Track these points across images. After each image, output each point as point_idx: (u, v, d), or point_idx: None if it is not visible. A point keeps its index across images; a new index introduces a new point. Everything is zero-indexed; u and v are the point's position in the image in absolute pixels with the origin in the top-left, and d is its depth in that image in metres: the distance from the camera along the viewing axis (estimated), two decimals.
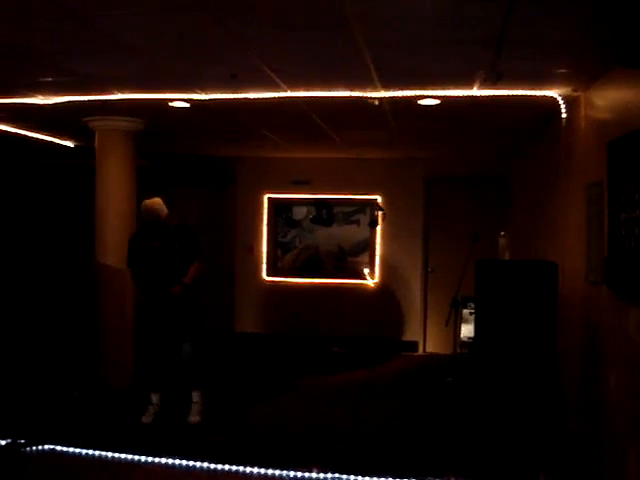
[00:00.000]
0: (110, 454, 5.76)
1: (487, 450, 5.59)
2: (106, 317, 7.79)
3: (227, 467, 5.51)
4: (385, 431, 6.54)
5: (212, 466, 5.54)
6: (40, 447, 5.82)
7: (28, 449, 5.77)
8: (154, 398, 6.87)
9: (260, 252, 11.66)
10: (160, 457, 5.66)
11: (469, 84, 5.67)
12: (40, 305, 10.11)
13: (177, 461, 5.62)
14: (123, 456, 5.74)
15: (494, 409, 5.66)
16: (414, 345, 11.05)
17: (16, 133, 8.65)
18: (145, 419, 6.76)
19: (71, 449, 5.84)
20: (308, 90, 6.04)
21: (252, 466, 5.49)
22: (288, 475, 5.40)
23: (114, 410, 7.09)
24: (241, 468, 5.49)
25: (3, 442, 5.77)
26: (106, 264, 7.75)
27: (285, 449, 6.05)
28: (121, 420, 6.79)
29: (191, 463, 5.59)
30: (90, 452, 5.81)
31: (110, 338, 7.79)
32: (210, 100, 6.37)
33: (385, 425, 6.58)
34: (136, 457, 5.71)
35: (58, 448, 5.86)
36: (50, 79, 5.86)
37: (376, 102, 6.28)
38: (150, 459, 5.67)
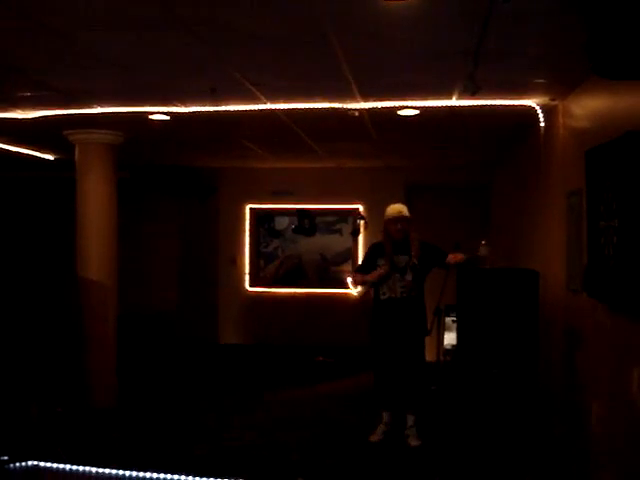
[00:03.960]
0: (95, 469, 5.73)
1: (472, 457, 5.61)
2: (89, 332, 7.75)
3: None
4: (368, 441, 6.53)
5: (198, 479, 5.52)
6: (24, 463, 5.78)
7: (11, 466, 5.72)
8: (385, 417, 6.60)
9: (243, 263, 11.66)
10: (145, 471, 5.63)
11: (448, 94, 5.72)
12: (22, 320, 10.04)
13: (162, 475, 5.59)
14: (107, 471, 5.71)
15: (478, 416, 5.68)
16: None
17: None
18: (374, 438, 6.52)
19: (55, 465, 5.80)
20: (288, 102, 6.06)
21: (238, 478, 5.47)
22: None
23: (98, 425, 7.06)
24: None
25: None
26: (88, 278, 7.71)
27: (271, 460, 6.05)
28: (105, 435, 6.76)
29: (176, 476, 5.56)
30: (74, 467, 5.77)
31: (94, 353, 7.75)
32: (190, 113, 6.38)
33: (370, 434, 6.58)
34: (121, 472, 5.68)
35: (42, 464, 5.81)
36: (29, 94, 5.85)
37: (356, 113, 6.32)
38: (135, 473, 5.64)
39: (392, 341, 6.42)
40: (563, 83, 5.32)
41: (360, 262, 6.75)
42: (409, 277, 6.38)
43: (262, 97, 5.83)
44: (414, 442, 6.42)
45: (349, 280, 11.32)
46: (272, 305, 11.54)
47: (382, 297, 6.46)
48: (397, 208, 6.51)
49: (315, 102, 6.04)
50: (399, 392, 6.50)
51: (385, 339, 6.47)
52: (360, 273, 6.70)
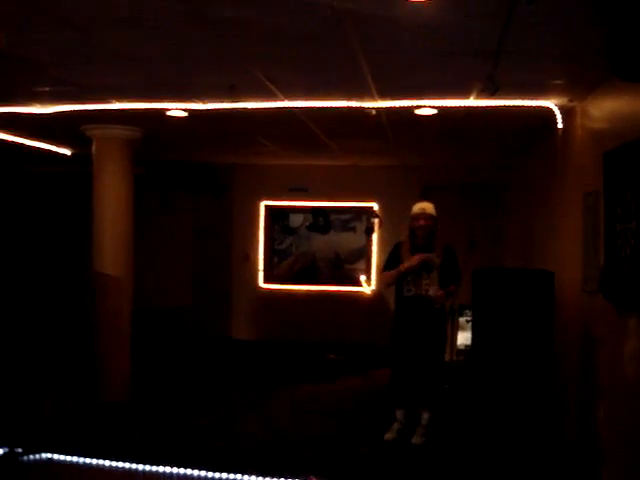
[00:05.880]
0: (107, 462, 5.76)
1: (484, 458, 5.60)
2: (103, 326, 7.78)
3: (225, 475, 5.51)
4: (382, 438, 6.54)
5: (210, 474, 5.54)
6: (37, 456, 5.82)
7: (25, 458, 5.76)
8: (399, 415, 6.60)
9: (256, 259, 11.68)
10: (158, 465, 5.66)
11: (466, 94, 5.70)
12: (37, 313, 10.11)
13: (175, 469, 5.62)
14: (120, 465, 5.74)
15: (491, 417, 5.67)
16: None
17: (13, 141, 8.64)
18: (388, 436, 6.50)
19: (68, 458, 5.84)
20: (306, 100, 6.06)
21: (250, 474, 5.50)
22: None
23: (111, 419, 7.08)
24: (239, 476, 5.50)
25: (0, 451, 5.76)
26: (103, 272, 7.74)
27: (282, 457, 6.05)
28: (118, 429, 6.79)
29: (189, 471, 5.59)
30: (87, 461, 5.80)
31: (108, 347, 7.78)
32: (208, 109, 6.39)
33: (382, 432, 6.58)
34: (134, 465, 5.71)
35: (55, 457, 5.85)
36: (48, 89, 5.88)
37: (373, 112, 6.31)
38: (148, 467, 5.67)
39: (413, 338, 6.39)
40: (582, 84, 5.31)
41: (385, 262, 6.73)
42: (435, 276, 6.37)
43: (280, 95, 5.83)
44: (416, 440, 6.40)
45: (362, 278, 11.35)
46: (285, 302, 11.57)
47: (407, 294, 6.44)
48: (420, 205, 6.53)
49: (333, 100, 6.05)
50: (415, 390, 6.48)
51: (406, 336, 6.45)
52: (389, 270, 6.61)
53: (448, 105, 6.04)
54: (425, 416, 6.47)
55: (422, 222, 6.41)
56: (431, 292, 6.33)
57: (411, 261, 6.38)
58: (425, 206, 6.49)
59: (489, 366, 5.72)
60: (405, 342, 6.46)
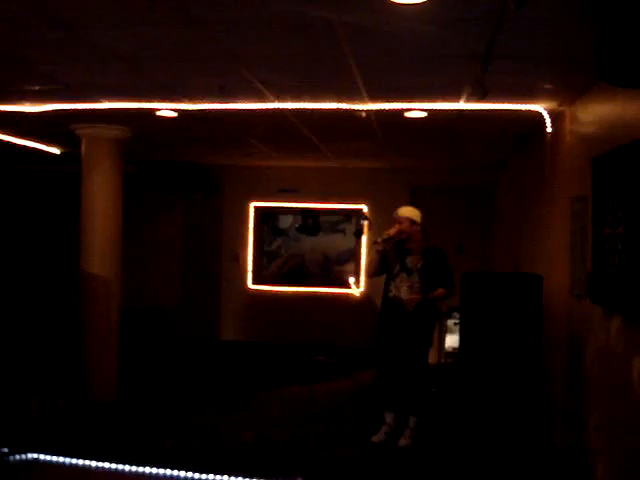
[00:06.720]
0: (94, 463, 5.75)
1: (472, 461, 5.61)
2: (91, 326, 7.75)
3: (212, 476, 5.51)
4: (369, 441, 6.54)
5: (196, 475, 5.54)
6: (23, 456, 5.80)
7: (11, 458, 5.74)
8: (388, 418, 6.60)
9: (246, 260, 11.67)
10: (144, 467, 5.65)
11: (456, 97, 5.71)
12: (25, 313, 10.06)
13: (161, 470, 5.61)
14: (107, 465, 5.73)
15: (479, 420, 5.68)
16: None
17: (1, 139, 8.60)
18: (376, 438, 6.50)
19: (54, 458, 5.82)
20: (296, 101, 6.06)
21: (237, 475, 5.50)
22: None
23: (98, 419, 7.06)
24: (225, 477, 5.50)
25: None
26: (92, 272, 7.72)
27: (270, 458, 6.05)
28: (105, 429, 6.77)
29: (175, 472, 5.58)
30: (74, 461, 5.79)
31: (95, 347, 7.76)
32: (198, 110, 6.38)
33: (369, 434, 6.59)
34: (120, 466, 5.70)
35: (42, 457, 5.83)
36: (37, 87, 5.85)
37: (363, 114, 6.32)
38: (134, 469, 5.66)
39: (393, 340, 6.40)
40: (571, 89, 5.33)
41: None
42: (415, 279, 6.37)
43: (270, 96, 5.83)
44: (403, 441, 6.40)
45: (351, 280, 11.37)
46: (274, 303, 11.56)
47: (389, 295, 6.49)
48: (399, 210, 6.58)
49: (323, 102, 6.05)
50: (399, 392, 6.49)
51: (387, 337, 6.47)
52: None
53: (438, 108, 6.06)
54: (412, 420, 6.47)
55: (397, 226, 6.47)
56: (402, 295, 6.35)
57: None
58: (402, 211, 6.55)
59: (477, 369, 5.75)
60: (386, 343, 6.49)
